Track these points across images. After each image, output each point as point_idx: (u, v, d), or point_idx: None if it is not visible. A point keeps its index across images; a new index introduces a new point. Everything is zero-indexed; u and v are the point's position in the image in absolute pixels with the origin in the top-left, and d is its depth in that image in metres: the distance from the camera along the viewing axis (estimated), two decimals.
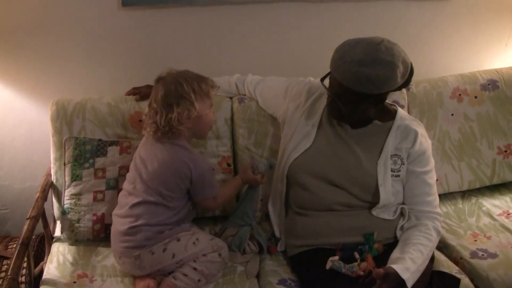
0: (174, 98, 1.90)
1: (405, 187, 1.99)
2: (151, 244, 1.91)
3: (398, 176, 1.96)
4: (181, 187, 1.95)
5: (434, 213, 1.96)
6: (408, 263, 1.77)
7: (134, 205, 1.93)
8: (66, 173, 2.16)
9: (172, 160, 1.94)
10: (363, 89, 1.80)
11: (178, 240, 1.95)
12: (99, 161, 2.15)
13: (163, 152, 1.94)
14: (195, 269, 1.92)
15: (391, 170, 1.95)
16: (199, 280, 1.92)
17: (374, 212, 1.95)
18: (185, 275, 1.91)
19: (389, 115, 2.03)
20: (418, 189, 1.98)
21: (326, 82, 1.96)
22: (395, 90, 1.94)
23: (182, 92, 1.90)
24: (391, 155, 1.97)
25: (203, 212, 2.29)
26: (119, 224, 1.96)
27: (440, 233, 1.95)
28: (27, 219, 1.97)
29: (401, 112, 2.06)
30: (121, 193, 2.03)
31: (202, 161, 2.01)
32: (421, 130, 2.03)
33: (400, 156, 1.97)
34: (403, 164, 1.97)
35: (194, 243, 1.96)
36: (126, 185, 2.01)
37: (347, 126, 2.00)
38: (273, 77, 2.32)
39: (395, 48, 1.83)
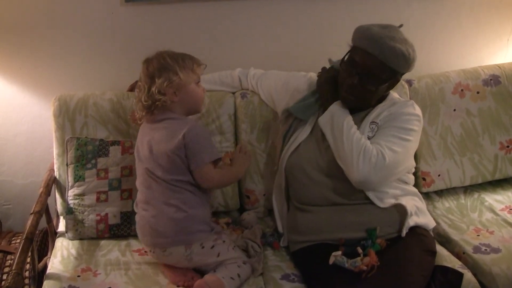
0: (157, 71, 1.88)
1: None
2: (203, 238, 1.90)
3: None
4: (179, 162, 1.86)
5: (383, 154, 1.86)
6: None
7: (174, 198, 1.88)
8: (69, 174, 2.16)
9: (166, 132, 1.88)
10: (395, 65, 1.84)
11: (223, 241, 1.94)
12: (101, 161, 2.15)
13: (161, 131, 1.90)
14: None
15: (368, 138, 1.93)
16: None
17: (369, 194, 1.92)
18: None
19: (381, 100, 2.04)
20: (381, 135, 1.92)
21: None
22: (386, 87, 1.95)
23: (164, 64, 1.89)
24: (370, 123, 1.96)
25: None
26: (171, 213, 1.89)
27: (371, 158, 1.84)
28: (31, 214, 1.96)
29: (394, 94, 2.07)
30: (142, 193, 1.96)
31: (198, 125, 1.96)
32: (410, 109, 1.99)
33: (377, 123, 1.96)
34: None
35: (234, 248, 1.96)
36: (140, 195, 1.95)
37: None
38: (274, 71, 2.32)
39: None
